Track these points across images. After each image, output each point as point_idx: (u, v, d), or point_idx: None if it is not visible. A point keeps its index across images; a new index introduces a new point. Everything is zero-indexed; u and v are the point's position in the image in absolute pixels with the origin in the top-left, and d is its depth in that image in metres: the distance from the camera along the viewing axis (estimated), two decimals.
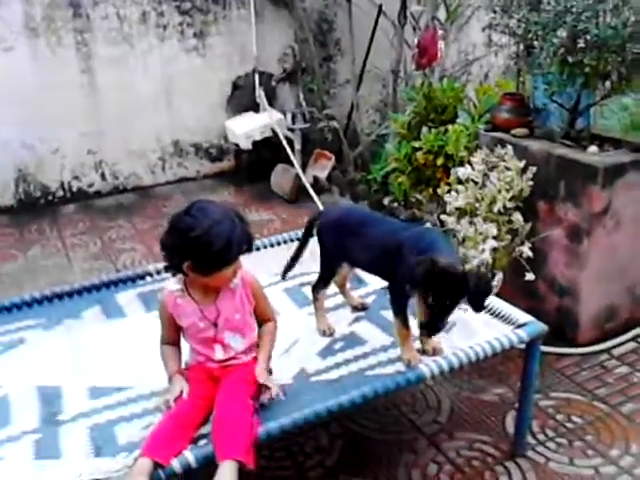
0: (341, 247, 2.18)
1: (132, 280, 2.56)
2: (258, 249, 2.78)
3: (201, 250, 1.73)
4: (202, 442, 1.73)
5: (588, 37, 2.48)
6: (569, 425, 2.54)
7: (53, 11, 4.56)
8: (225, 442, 1.67)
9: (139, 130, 5.05)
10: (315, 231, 2.32)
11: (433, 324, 1.89)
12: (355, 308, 2.40)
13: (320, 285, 2.28)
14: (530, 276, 2.83)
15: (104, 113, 4.91)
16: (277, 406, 1.87)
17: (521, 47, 2.81)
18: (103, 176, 5.06)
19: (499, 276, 2.85)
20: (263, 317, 1.99)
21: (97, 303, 2.44)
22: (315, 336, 2.24)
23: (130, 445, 1.73)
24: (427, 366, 1.98)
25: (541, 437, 2.48)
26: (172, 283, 1.91)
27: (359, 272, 2.55)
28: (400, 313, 2.05)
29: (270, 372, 1.98)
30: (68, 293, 2.48)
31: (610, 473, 2.31)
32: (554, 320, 3.01)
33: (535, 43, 2.61)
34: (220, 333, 1.89)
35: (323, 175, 5.00)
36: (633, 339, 3.08)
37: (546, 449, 2.42)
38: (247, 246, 1.83)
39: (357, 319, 2.35)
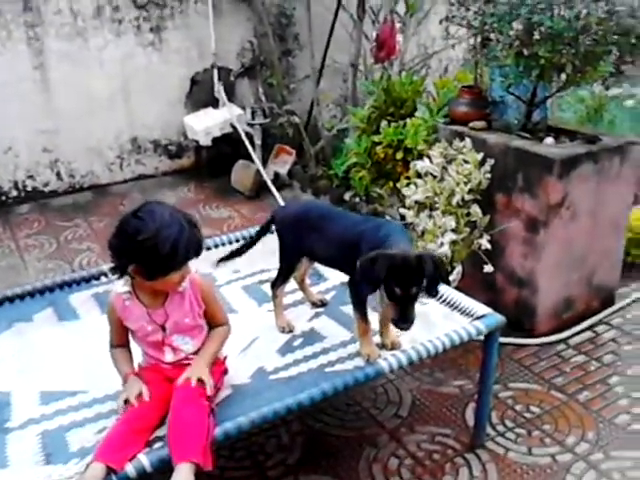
0: (301, 242, 2.16)
1: (86, 281, 2.50)
2: (217, 246, 2.75)
3: (147, 254, 1.69)
4: (157, 445, 1.69)
5: (542, 29, 2.50)
6: (527, 415, 2.56)
7: (1, 4, 4.41)
8: (181, 444, 1.63)
9: (96, 127, 4.94)
10: (274, 227, 2.29)
11: (405, 316, 1.85)
12: (314, 304, 2.38)
13: (279, 281, 2.26)
14: (488, 268, 2.85)
15: (59, 110, 4.78)
16: (235, 406, 1.85)
17: (478, 39, 2.81)
18: (59, 175, 4.93)
19: (458, 269, 2.86)
20: (214, 321, 1.93)
21: (49, 305, 2.37)
22: (274, 333, 2.22)
23: (82, 451, 1.68)
24: (386, 360, 1.97)
25: (500, 428, 2.50)
26: (120, 285, 1.86)
27: (319, 267, 2.54)
28: (360, 307, 2.04)
29: (226, 371, 1.95)
30: (19, 295, 2.40)
31: (566, 460, 2.34)
32: (513, 311, 3.05)
33: (491, 35, 2.62)
34: (168, 337, 1.85)
35: (284, 170, 4.97)
36: (589, 328, 3.13)
37: (505, 440, 2.44)
38: (196, 251, 1.78)
39: (317, 315, 2.33)
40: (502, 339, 2.91)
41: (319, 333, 2.21)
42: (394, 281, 1.81)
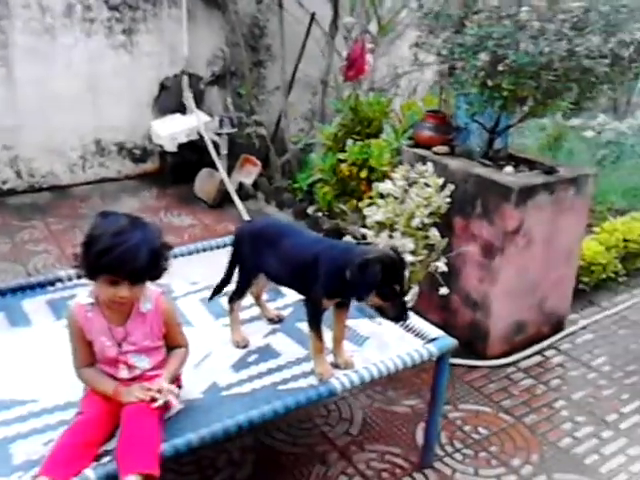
0: (257, 259, 2.17)
1: (41, 286, 2.46)
2: (176, 257, 2.73)
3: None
4: (105, 459, 1.68)
5: (507, 62, 2.57)
6: (475, 436, 2.62)
7: None
8: (129, 456, 1.62)
9: (60, 127, 4.87)
10: (233, 241, 2.30)
11: (405, 310, 1.97)
12: (271, 320, 2.39)
13: (236, 296, 2.26)
14: (444, 290, 2.90)
15: (22, 107, 4.70)
16: (186, 421, 1.84)
17: (445, 67, 2.88)
18: (18, 173, 4.85)
19: (415, 290, 2.91)
20: (173, 343, 1.93)
21: (1, 310, 2.32)
22: (229, 348, 2.22)
23: (27, 464, 1.65)
24: (338, 380, 2.00)
25: (449, 448, 2.54)
26: (83, 297, 1.84)
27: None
28: (315, 326, 2.05)
29: (180, 387, 1.95)
30: None
31: None
32: (466, 333, 3.12)
33: (458, 64, 2.69)
34: (125, 354, 1.83)
35: (249, 181, 4.97)
36: (539, 353, 3.22)
37: (453, 460, 2.49)
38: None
39: (273, 331, 2.34)
40: (455, 360, 2.99)
41: (274, 349, 2.23)
42: (390, 280, 1.88)
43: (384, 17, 4.54)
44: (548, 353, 3.23)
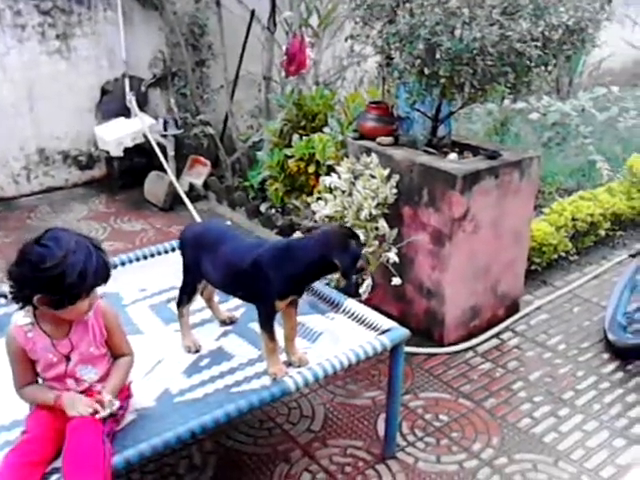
0: (198, 263, 2.13)
1: None
2: (123, 264, 2.69)
3: (53, 283, 1.63)
4: (54, 477, 1.63)
5: (442, 49, 2.58)
6: (436, 424, 2.64)
7: None
8: (74, 473, 1.58)
9: (0, 138, 4.72)
10: (177, 245, 2.26)
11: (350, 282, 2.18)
12: (223, 322, 2.36)
13: (184, 300, 2.22)
14: (397, 281, 2.91)
15: None
16: (139, 430, 1.81)
17: (382, 57, 2.88)
18: None
19: (368, 282, 2.91)
20: (117, 351, 1.88)
21: None
22: (181, 354, 2.18)
23: None
24: (292, 379, 1.98)
25: (411, 438, 2.55)
26: (21, 317, 1.77)
27: None
28: (268, 327, 2.03)
29: (130, 396, 1.90)
30: None
31: (472, 467, 2.42)
32: (423, 321, 3.14)
33: (394, 54, 2.69)
34: (72, 368, 1.78)
35: (199, 182, 4.91)
36: (495, 336, 3.25)
37: (415, 449, 2.50)
38: (104, 277, 1.74)
39: (225, 333, 2.31)
40: (412, 349, 3.00)
41: (226, 352, 2.20)
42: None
43: (323, 10, 4.53)
44: (504, 336, 3.27)
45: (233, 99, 4.98)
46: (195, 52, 5.19)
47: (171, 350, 2.20)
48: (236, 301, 2.49)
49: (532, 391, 2.85)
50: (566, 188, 4.85)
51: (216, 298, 2.40)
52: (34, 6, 4.62)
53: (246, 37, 4.89)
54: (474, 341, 3.18)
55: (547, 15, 2.45)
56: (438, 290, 3.04)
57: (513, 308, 3.41)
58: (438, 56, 2.59)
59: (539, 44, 2.46)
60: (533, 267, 3.76)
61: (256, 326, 2.15)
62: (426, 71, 2.64)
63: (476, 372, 2.98)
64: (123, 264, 2.68)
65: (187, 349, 2.20)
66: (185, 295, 2.22)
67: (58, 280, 1.62)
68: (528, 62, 2.53)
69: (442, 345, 3.11)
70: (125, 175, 5.06)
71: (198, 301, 2.34)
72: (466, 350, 3.13)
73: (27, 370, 1.78)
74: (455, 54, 2.52)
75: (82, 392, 1.80)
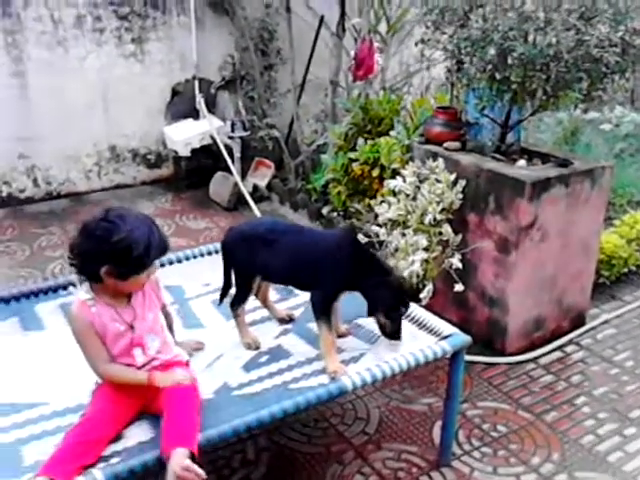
0: (253, 260, 2.15)
1: (53, 290, 2.47)
2: (188, 258, 2.75)
3: (121, 255, 1.73)
4: (115, 460, 1.67)
5: (515, 55, 2.54)
6: (494, 434, 2.58)
7: None
8: (175, 435, 1.67)
9: (74, 135, 4.92)
10: (222, 252, 2.27)
11: (398, 330, 2.14)
12: (282, 320, 2.37)
13: (237, 301, 2.23)
14: (459, 287, 2.87)
15: (37, 117, 4.76)
16: None
17: (453, 62, 2.85)
18: (35, 181, 4.90)
19: (429, 287, 2.88)
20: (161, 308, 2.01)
21: (14, 314, 2.34)
22: (240, 349, 2.21)
23: (38, 464, 1.65)
24: (350, 379, 1.97)
25: (467, 447, 2.50)
26: (82, 294, 1.85)
27: None
28: (325, 319, 2.06)
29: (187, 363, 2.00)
30: None
31: None
32: (484, 330, 3.08)
33: (465, 59, 2.66)
34: (138, 336, 1.84)
35: (263, 183, 4.98)
36: (559, 348, 3.16)
37: (471, 458, 2.45)
38: (164, 250, 1.86)
39: (284, 332, 2.32)
40: (472, 357, 2.95)
41: (285, 350, 2.21)
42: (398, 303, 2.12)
43: (392, 17, 4.52)
44: (569, 349, 3.17)
45: (299, 103, 5.03)
46: (264, 57, 5.27)
47: (231, 345, 2.22)
48: (297, 300, 2.51)
49: (596, 407, 2.75)
50: (638, 201, 4.67)
51: (275, 296, 2.43)
52: (112, 11, 4.80)
53: (314, 42, 4.93)
54: (536, 352, 3.09)
55: (628, 19, 2.36)
56: (501, 299, 2.98)
57: (579, 321, 3.30)
58: (510, 61, 2.55)
59: (618, 50, 2.37)
60: (601, 280, 3.64)
61: (314, 326, 2.16)
62: (497, 76, 2.59)
63: (537, 384, 2.90)
64: (188, 259, 2.74)
65: (247, 346, 2.22)
66: (238, 296, 2.23)
67: (126, 252, 1.72)
68: (605, 68, 2.45)
69: (503, 355, 3.04)
70: (192, 175, 5.19)
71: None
72: (528, 361, 3.05)
73: (102, 345, 1.82)
74: (528, 59, 2.47)
75: (148, 363, 1.87)
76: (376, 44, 4.00)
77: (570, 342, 3.22)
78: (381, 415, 2.67)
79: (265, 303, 2.38)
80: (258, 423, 1.79)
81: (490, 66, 2.56)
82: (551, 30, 2.37)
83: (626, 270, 3.79)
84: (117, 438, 1.73)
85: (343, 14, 4.42)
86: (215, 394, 1.97)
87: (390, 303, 2.08)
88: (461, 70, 2.71)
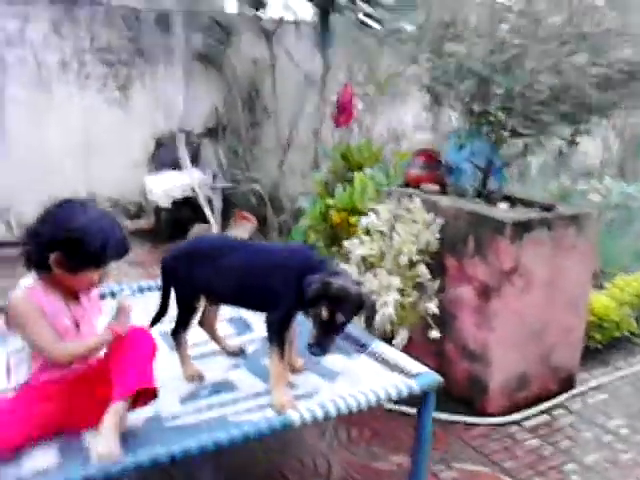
0: (194, 281, 1.95)
1: None
2: (142, 291, 2.55)
3: (75, 244, 1.63)
4: None
5: (492, 83, 2.43)
6: None
7: None
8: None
9: (53, 180, 4.78)
10: (161, 273, 2.06)
11: (324, 344, 1.77)
12: (233, 353, 2.14)
13: (179, 329, 2.03)
14: (435, 334, 2.64)
15: (15, 160, 4.66)
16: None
17: (430, 98, 2.75)
18: (9, 225, 4.75)
19: (404, 334, 2.65)
20: None
21: None
22: (181, 382, 1.97)
23: None
24: (298, 412, 1.73)
25: None
26: (27, 281, 1.68)
27: (246, 317, 2.32)
28: (279, 341, 1.85)
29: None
30: None
31: None
32: (463, 386, 2.83)
33: (442, 89, 2.55)
34: (82, 335, 1.73)
35: (244, 237, 4.82)
36: (546, 412, 2.89)
37: None
38: (122, 252, 1.74)
39: (235, 366, 2.10)
40: (449, 416, 2.69)
41: (232, 383, 1.98)
42: (334, 309, 1.77)
43: (380, 78, 4.54)
44: (556, 413, 2.90)
45: (284, 162, 4.97)
46: (250, 113, 5.24)
47: (172, 377, 1.98)
48: (253, 335, 2.29)
49: (588, 476, 2.46)
50: (629, 271, 4.48)
51: (227, 330, 2.21)
52: (98, 59, 4.79)
53: (301, 102, 4.91)
54: (522, 414, 2.82)
55: (610, 51, 2.27)
56: (482, 352, 2.74)
57: (567, 383, 3.04)
58: (494, 91, 2.43)
59: (599, 80, 2.27)
60: (592, 343, 3.41)
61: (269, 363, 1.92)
62: (475, 108, 2.48)
63: (521, 448, 2.62)
64: (142, 291, 2.55)
65: (190, 379, 1.99)
66: (180, 323, 2.02)
67: (79, 243, 1.62)
68: (585, 101, 2.34)
69: (483, 414, 2.77)
70: (171, 226, 5.06)
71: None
72: (511, 423, 2.77)
73: (49, 328, 1.66)
74: (505, 88, 2.36)
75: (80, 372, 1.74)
76: (355, 91, 3.97)
77: (558, 405, 2.95)
78: (344, 473, 2.37)
79: (212, 334, 2.16)
80: (183, 453, 1.53)
81: (468, 97, 2.45)
82: (527, 58, 2.27)
83: (618, 335, 3.56)
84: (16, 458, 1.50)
85: (327, 69, 4.43)
86: (145, 423, 1.72)
87: (316, 298, 1.75)
88: (439, 103, 2.60)
